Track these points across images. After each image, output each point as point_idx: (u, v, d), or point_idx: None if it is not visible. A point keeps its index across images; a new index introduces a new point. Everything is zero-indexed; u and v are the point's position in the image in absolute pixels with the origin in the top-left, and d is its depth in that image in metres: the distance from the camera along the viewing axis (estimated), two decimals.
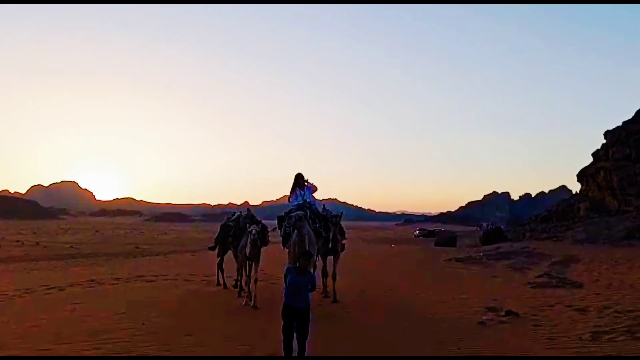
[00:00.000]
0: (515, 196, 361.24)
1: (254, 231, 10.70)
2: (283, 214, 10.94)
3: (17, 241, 53.23)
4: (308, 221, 10.21)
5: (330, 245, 11.54)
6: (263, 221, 12.01)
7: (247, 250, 10.87)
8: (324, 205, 12.13)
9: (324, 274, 12.19)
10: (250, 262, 11.16)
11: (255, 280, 10.89)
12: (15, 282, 16.21)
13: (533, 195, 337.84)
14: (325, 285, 12.28)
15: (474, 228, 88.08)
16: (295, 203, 11.09)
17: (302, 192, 11.22)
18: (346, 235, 13.12)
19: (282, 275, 6.78)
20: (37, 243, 51.34)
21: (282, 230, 10.58)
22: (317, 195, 11.63)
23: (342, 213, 12.34)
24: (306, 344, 6.43)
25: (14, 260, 31.17)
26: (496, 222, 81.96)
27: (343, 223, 12.52)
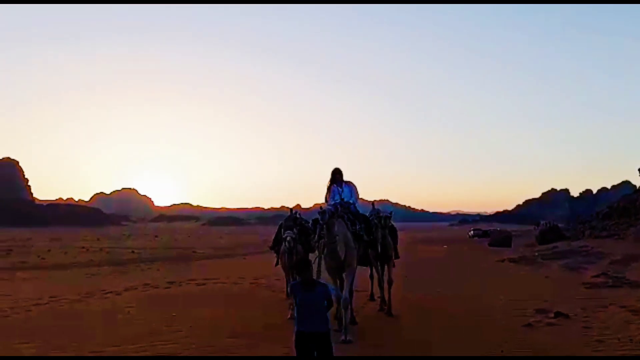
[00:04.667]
0: (575, 193, 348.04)
1: (288, 237, 9.44)
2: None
3: (82, 247, 55.83)
4: (346, 222, 8.87)
5: (379, 250, 10.15)
6: None
7: (285, 259, 9.83)
8: (373, 204, 11.17)
9: (380, 285, 10.95)
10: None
11: None
12: (76, 286, 17.09)
13: (594, 192, 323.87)
14: (381, 296, 11.03)
15: (531, 227, 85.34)
16: (332, 203, 9.39)
17: (340, 190, 9.65)
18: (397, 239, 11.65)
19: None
20: (101, 249, 53.68)
21: (317, 233, 8.94)
22: (368, 195, 10.86)
23: (391, 213, 10.87)
24: None
25: (79, 266, 32.78)
26: (555, 221, 78.95)
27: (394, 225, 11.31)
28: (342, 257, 8.34)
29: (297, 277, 5.64)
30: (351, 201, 9.66)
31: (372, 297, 12.03)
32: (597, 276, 16.10)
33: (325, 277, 7.96)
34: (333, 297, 5.66)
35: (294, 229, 9.73)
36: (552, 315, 10.01)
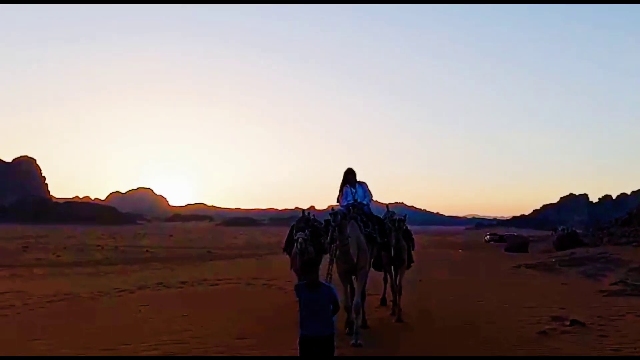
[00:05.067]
0: (594, 198, 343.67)
1: (300, 239, 9.15)
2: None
3: (98, 245, 56.51)
4: (359, 224, 8.61)
5: (392, 253, 9.90)
6: None
7: (297, 262, 9.27)
8: (387, 206, 10.84)
9: (393, 289, 10.57)
10: None
11: None
12: (90, 284, 17.26)
13: (614, 197, 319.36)
14: (394, 302, 10.59)
15: (549, 232, 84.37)
16: (345, 204, 9.14)
17: (353, 191, 9.31)
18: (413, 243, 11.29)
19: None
20: (116, 247, 54.30)
21: (329, 235, 8.48)
22: (383, 198, 10.69)
23: (405, 216, 10.46)
24: None
25: (94, 264, 33.14)
26: (573, 226, 77.88)
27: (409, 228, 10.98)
28: (355, 260, 8.15)
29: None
30: (365, 202, 9.35)
31: (383, 302, 11.71)
32: (615, 284, 15.79)
33: (335, 280, 7.84)
34: (340, 302, 5.40)
35: (306, 230, 9.45)
36: (568, 323, 9.79)
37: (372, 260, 9.41)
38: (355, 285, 8.53)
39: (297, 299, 5.12)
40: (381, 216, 10.03)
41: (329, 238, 8.44)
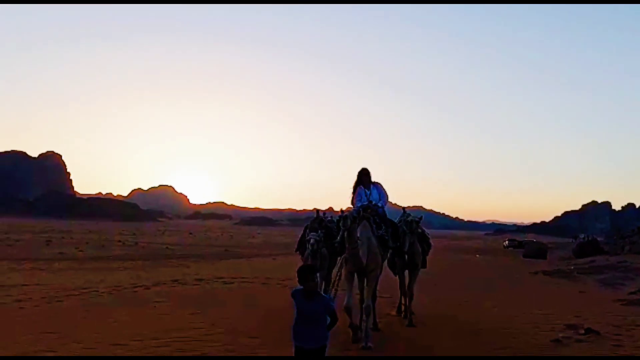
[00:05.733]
0: (617, 206, 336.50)
1: (312, 240, 8.98)
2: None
3: (119, 241, 57.42)
4: (371, 225, 8.28)
5: (406, 257, 9.63)
6: None
7: (309, 263, 8.70)
8: (404, 209, 10.36)
9: (403, 293, 10.26)
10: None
11: None
12: (108, 279, 17.55)
13: (638, 205, 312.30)
14: (406, 306, 10.26)
15: (569, 239, 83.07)
16: (359, 205, 8.72)
17: (368, 192, 8.95)
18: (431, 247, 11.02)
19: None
20: (136, 243, 55.10)
21: (339, 238, 8.27)
22: (403, 201, 10.35)
23: (421, 217, 9.93)
24: None
25: (114, 259, 33.67)
26: (595, 234, 76.50)
27: (428, 232, 10.77)
28: (365, 262, 7.91)
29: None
30: (379, 204, 8.95)
31: (399, 310, 10.80)
32: (634, 293, 15.51)
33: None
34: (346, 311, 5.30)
35: (319, 231, 9.27)
36: (583, 331, 9.64)
37: (384, 263, 9.10)
38: (366, 287, 8.41)
39: (294, 304, 4.84)
40: (396, 219, 9.70)
41: (338, 240, 8.30)
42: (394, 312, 10.87)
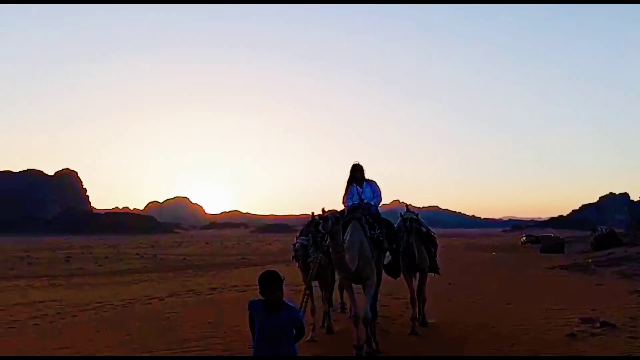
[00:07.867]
0: (635, 197, 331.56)
1: (297, 244, 8.60)
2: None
3: (137, 254, 57.88)
4: (363, 226, 7.32)
5: (403, 259, 8.79)
6: None
7: (312, 271, 7.78)
8: (407, 206, 9.43)
9: (412, 300, 9.07)
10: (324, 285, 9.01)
11: (320, 310, 8.93)
12: (125, 292, 17.69)
13: None
14: (413, 314, 9.15)
15: (588, 233, 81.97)
16: (350, 204, 7.89)
17: (360, 190, 7.99)
18: (437, 245, 9.94)
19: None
20: (154, 256, 55.48)
21: (318, 242, 7.73)
22: (419, 201, 9.31)
23: (417, 215, 9.07)
24: None
25: (132, 272, 33.94)
26: (614, 226, 75.44)
27: (440, 231, 9.89)
28: (352, 268, 6.94)
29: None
30: (373, 202, 7.97)
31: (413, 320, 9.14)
32: None
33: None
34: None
35: (309, 235, 8.56)
36: (598, 324, 9.50)
37: (381, 267, 8.07)
38: (364, 297, 7.33)
39: (249, 320, 3.90)
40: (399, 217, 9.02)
41: (326, 244, 7.36)
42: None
